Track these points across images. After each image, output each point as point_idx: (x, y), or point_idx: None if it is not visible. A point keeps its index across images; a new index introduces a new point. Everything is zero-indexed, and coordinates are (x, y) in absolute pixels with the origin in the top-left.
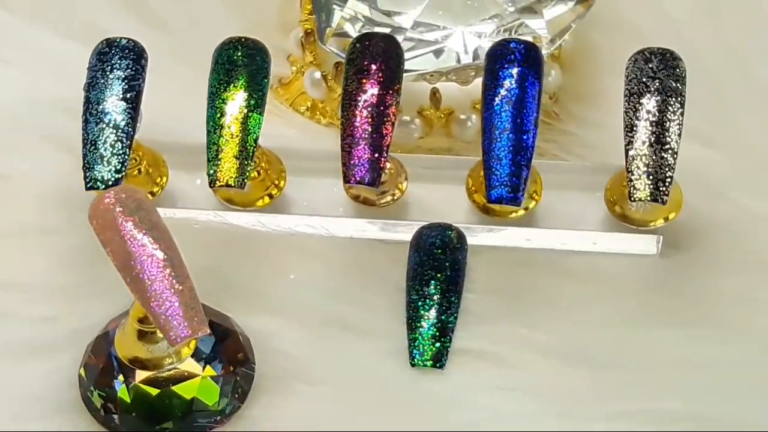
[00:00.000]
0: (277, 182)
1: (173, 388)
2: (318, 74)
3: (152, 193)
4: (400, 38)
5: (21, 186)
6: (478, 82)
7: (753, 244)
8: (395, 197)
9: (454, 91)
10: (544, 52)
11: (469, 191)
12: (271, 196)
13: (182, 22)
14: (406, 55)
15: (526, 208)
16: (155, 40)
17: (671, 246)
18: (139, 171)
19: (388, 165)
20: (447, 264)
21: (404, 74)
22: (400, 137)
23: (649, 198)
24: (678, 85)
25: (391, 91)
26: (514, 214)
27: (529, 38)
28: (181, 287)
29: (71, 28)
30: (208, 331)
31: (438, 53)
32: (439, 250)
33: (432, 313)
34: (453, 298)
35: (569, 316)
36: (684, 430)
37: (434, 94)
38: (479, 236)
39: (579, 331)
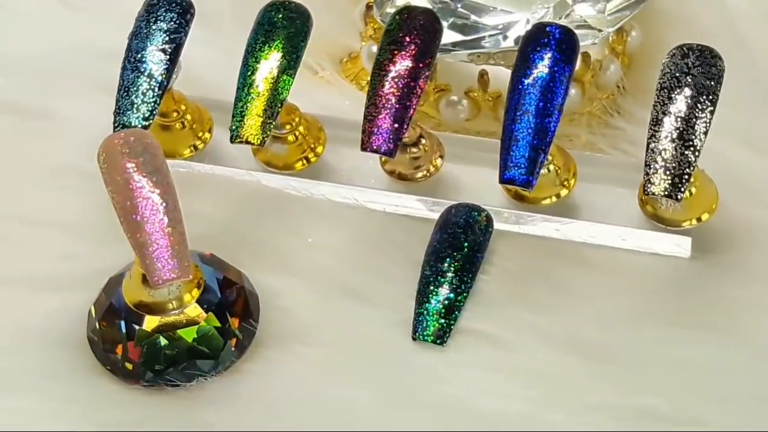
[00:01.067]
0: (314, 147)
1: (174, 332)
2: (375, 48)
3: (195, 147)
4: (449, 19)
5: (70, 129)
6: None
7: None
8: (429, 173)
9: (503, 74)
10: (594, 41)
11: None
12: (308, 160)
13: None
14: (468, 37)
15: (557, 196)
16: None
17: (701, 249)
18: (183, 124)
19: (423, 141)
20: (466, 244)
21: (454, 52)
22: (447, 117)
23: (663, 193)
24: (712, 83)
25: (421, 65)
26: (546, 201)
27: (578, 27)
28: (170, 230)
29: None
30: (191, 277)
31: (502, 38)
32: (461, 230)
33: (442, 290)
34: (466, 278)
35: (576, 305)
36: (664, 430)
37: (482, 76)
38: (508, 222)
39: (583, 321)
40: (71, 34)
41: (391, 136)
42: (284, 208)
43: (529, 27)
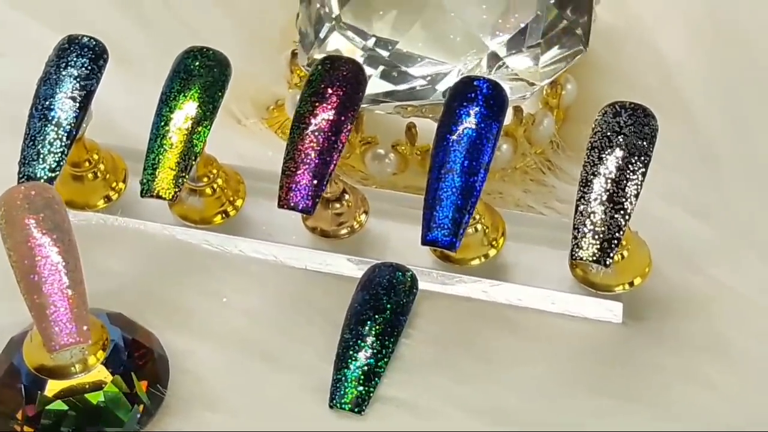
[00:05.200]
0: (233, 200)
1: (78, 397)
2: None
3: (108, 198)
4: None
5: None
6: None
7: (719, 323)
8: (353, 230)
9: (432, 127)
10: (526, 95)
11: None
12: (226, 214)
13: (179, 31)
14: (397, 87)
15: (485, 256)
16: (146, 46)
17: (633, 314)
18: (96, 175)
19: (346, 197)
20: (388, 306)
21: (380, 104)
22: (373, 171)
23: (591, 258)
24: (644, 143)
25: (343, 118)
26: (474, 262)
27: (512, 80)
28: (71, 293)
29: (65, 23)
30: (90, 342)
31: (432, 89)
32: (384, 291)
33: (362, 355)
34: (387, 343)
35: (500, 373)
36: None
37: (410, 129)
38: (434, 282)
39: (506, 389)
40: None
41: (309, 193)
42: (199, 264)
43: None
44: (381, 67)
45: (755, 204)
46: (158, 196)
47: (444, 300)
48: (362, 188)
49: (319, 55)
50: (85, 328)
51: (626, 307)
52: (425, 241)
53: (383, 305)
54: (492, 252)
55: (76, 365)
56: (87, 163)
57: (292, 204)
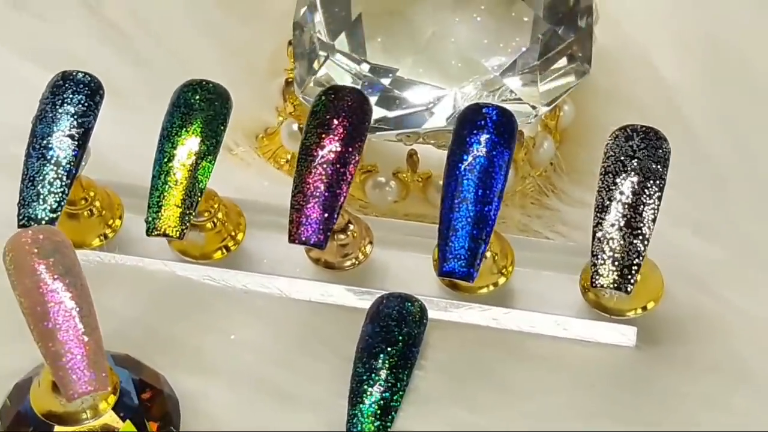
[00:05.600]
0: (234, 234)
1: None
2: (295, 126)
3: (105, 236)
4: (385, 95)
5: None
6: None
7: (734, 346)
8: (358, 261)
9: (433, 154)
10: (530, 120)
11: (435, 263)
12: (227, 248)
13: (167, 62)
14: (395, 113)
15: (495, 284)
16: (135, 80)
17: (647, 339)
18: (91, 212)
19: (351, 227)
20: (401, 338)
21: (380, 133)
22: (374, 199)
23: (612, 285)
24: (659, 167)
25: (351, 149)
26: (483, 290)
27: (516, 104)
28: (87, 339)
29: (49, 58)
30: (109, 389)
31: (429, 114)
32: (395, 322)
33: (376, 389)
34: (402, 376)
35: (519, 404)
36: None
37: (411, 156)
38: (443, 311)
39: (526, 421)
40: None
41: (320, 227)
42: (202, 301)
43: (457, 103)
44: (378, 94)
45: (763, 223)
46: (165, 235)
47: (454, 329)
48: (362, 217)
49: (314, 84)
50: (103, 375)
51: (640, 332)
52: (442, 273)
53: (395, 337)
54: (501, 280)
55: (87, 411)
56: (83, 201)
57: (303, 239)
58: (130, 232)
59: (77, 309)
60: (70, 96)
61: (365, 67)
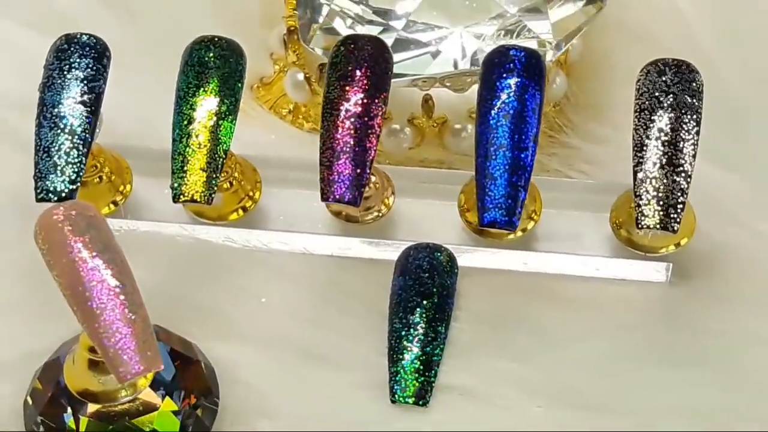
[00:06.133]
0: (251, 194)
1: (129, 422)
2: (300, 76)
3: (114, 203)
4: (391, 38)
5: None
6: (475, 89)
7: None
8: (381, 214)
9: (448, 97)
10: (549, 57)
11: (462, 210)
12: (244, 209)
13: (157, 15)
14: (398, 57)
15: (524, 230)
16: (126, 33)
17: (681, 275)
18: (101, 178)
19: (372, 179)
20: (434, 290)
21: (395, 79)
22: (389, 147)
23: (658, 226)
24: (694, 100)
25: (376, 101)
26: (510, 236)
27: (533, 42)
28: (133, 317)
29: (37, 18)
30: (162, 367)
31: (434, 56)
32: (426, 274)
33: (416, 344)
34: (440, 328)
35: (562, 350)
36: None
37: (427, 101)
38: (471, 258)
39: (571, 368)
40: None
41: (354, 183)
42: (226, 264)
43: (465, 43)
44: (384, 35)
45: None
46: (193, 200)
47: (483, 276)
48: (377, 166)
49: (321, 33)
50: (154, 353)
51: (674, 268)
52: (483, 224)
53: (429, 290)
54: (530, 225)
55: (126, 388)
56: (93, 168)
57: (337, 196)
58: (138, 196)
59: (121, 286)
60: (77, 60)
61: (367, 11)
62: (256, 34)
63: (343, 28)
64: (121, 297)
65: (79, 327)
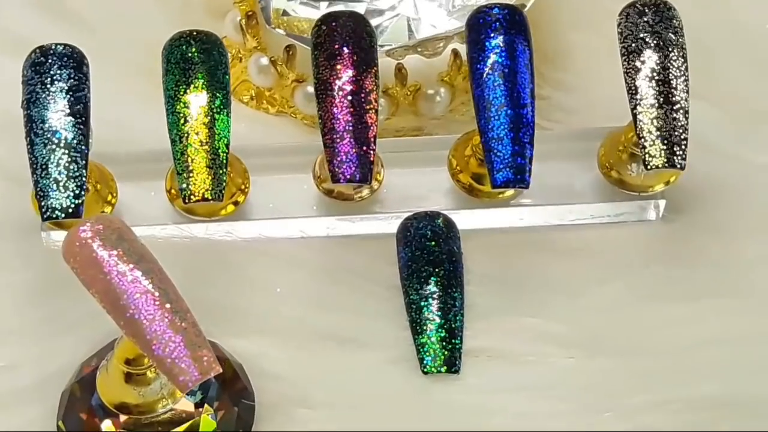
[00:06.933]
0: (243, 187)
1: None
2: (265, 60)
3: (103, 212)
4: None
5: None
6: (446, 54)
7: (761, 199)
8: (374, 189)
9: (416, 64)
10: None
11: (454, 171)
12: (236, 203)
13: (101, 15)
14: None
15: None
16: (74, 37)
17: (676, 210)
18: (87, 190)
19: None
20: (444, 257)
21: None
22: None
23: (666, 164)
24: (678, 37)
25: (368, 76)
26: (502, 195)
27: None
28: (183, 324)
29: None
30: (220, 369)
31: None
32: (432, 242)
33: (437, 313)
34: (456, 294)
35: (578, 299)
36: (722, 415)
37: (400, 70)
38: (467, 220)
39: (593, 315)
40: None
41: (361, 161)
42: (228, 258)
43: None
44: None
45: (744, 75)
46: (204, 199)
47: (483, 236)
48: None
49: (279, 17)
50: (210, 357)
51: (667, 204)
52: (497, 185)
53: (438, 257)
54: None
55: (166, 398)
56: None
57: (348, 176)
58: (123, 201)
59: (164, 295)
60: (58, 72)
61: None
62: (204, 23)
63: (307, 8)
64: (167, 305)
65: (95, 341)
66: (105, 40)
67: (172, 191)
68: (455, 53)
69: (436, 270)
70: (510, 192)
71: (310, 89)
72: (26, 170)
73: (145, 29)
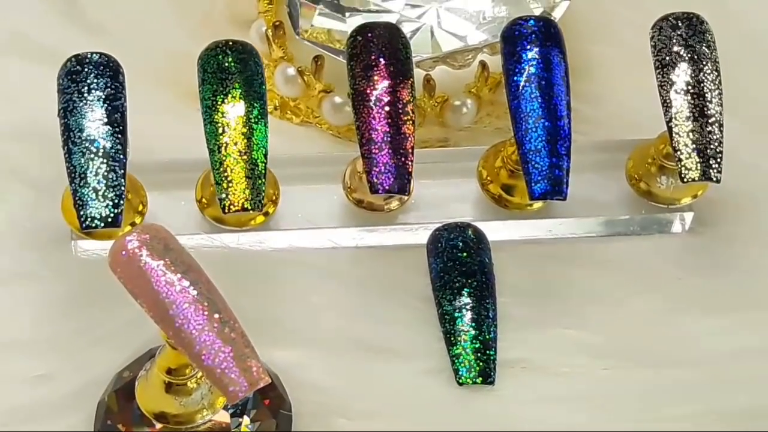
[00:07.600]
0: (274, 197)
1: None
2: (292, 70)
3: (133, 224)
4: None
5: None
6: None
7: None
8: (404, 200)
9: (442, 75)
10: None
11: (484, 182)
12: (266, 213)
13: (122, 25)
14: None
15: None
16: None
17: (704, 223)
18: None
19: None
20: (476, 267)
21: None
22: None
23: (702, 177)
24: (711, 50)
25: (404, 86)
26: (534, 206)
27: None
28: (233, 335)
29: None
30: (269, 380)
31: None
32: (464, 253)
33: (471, 324)
34: (489, 305)
35: (612, 310)
36: (757, 426)
37: (428, 81)
38: (497, 232)
39: (627, 326)
40: None
41: (400, 172)
42: (262, 268)
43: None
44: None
45: (764, 86)
46: (244, 209)
47: (514, 248)
48: None
49: (307, 25)
50: (259, 366)
51: (695, 217)
52: (535, 197)
53: (470, 268)
54: None
55: (205, 409)
56: None
57: (387, 187)
58: (156, 211)
59: (213, 305)
60: (95, 81)
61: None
62: (226, 32)
63: (331, 20)
64: (216, 315)
65: (129, 349)
66: (127, 51)
67: (203, 200)
68: (483, 65)
69: (469, 281)
70: (539, 204)
71: (338, 99)
72: (54, 179)
73: (166, 40)
